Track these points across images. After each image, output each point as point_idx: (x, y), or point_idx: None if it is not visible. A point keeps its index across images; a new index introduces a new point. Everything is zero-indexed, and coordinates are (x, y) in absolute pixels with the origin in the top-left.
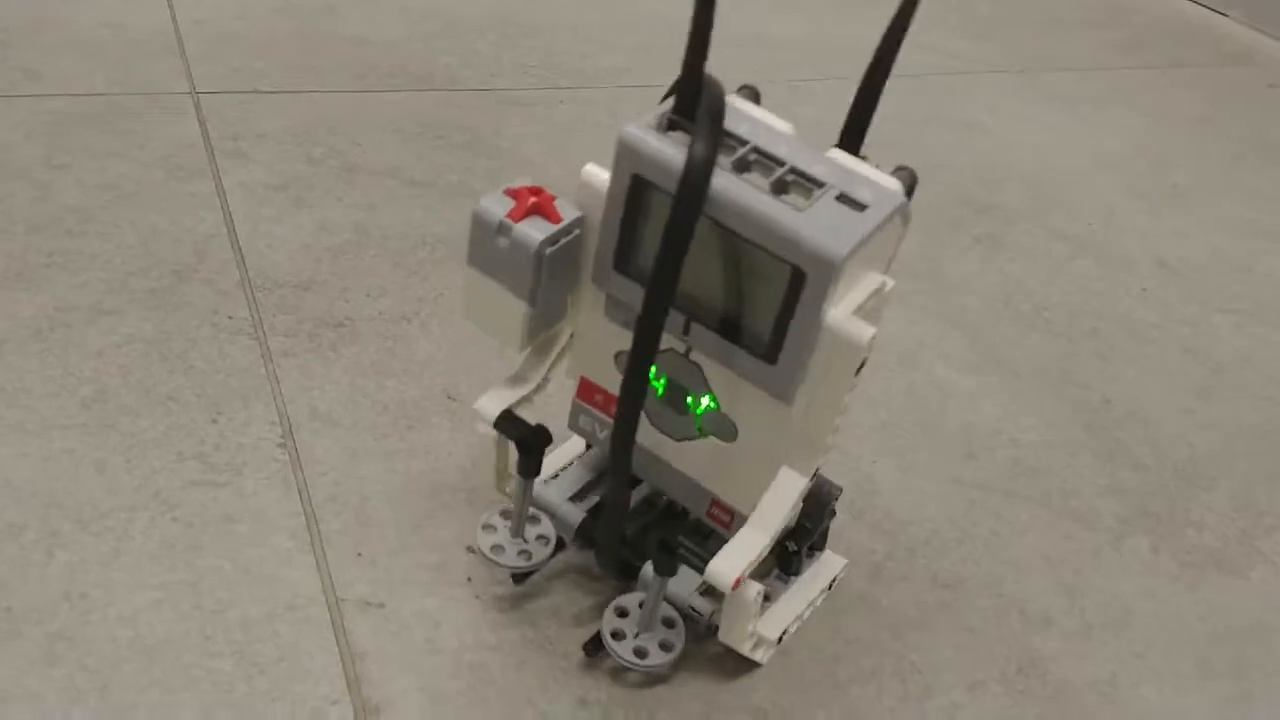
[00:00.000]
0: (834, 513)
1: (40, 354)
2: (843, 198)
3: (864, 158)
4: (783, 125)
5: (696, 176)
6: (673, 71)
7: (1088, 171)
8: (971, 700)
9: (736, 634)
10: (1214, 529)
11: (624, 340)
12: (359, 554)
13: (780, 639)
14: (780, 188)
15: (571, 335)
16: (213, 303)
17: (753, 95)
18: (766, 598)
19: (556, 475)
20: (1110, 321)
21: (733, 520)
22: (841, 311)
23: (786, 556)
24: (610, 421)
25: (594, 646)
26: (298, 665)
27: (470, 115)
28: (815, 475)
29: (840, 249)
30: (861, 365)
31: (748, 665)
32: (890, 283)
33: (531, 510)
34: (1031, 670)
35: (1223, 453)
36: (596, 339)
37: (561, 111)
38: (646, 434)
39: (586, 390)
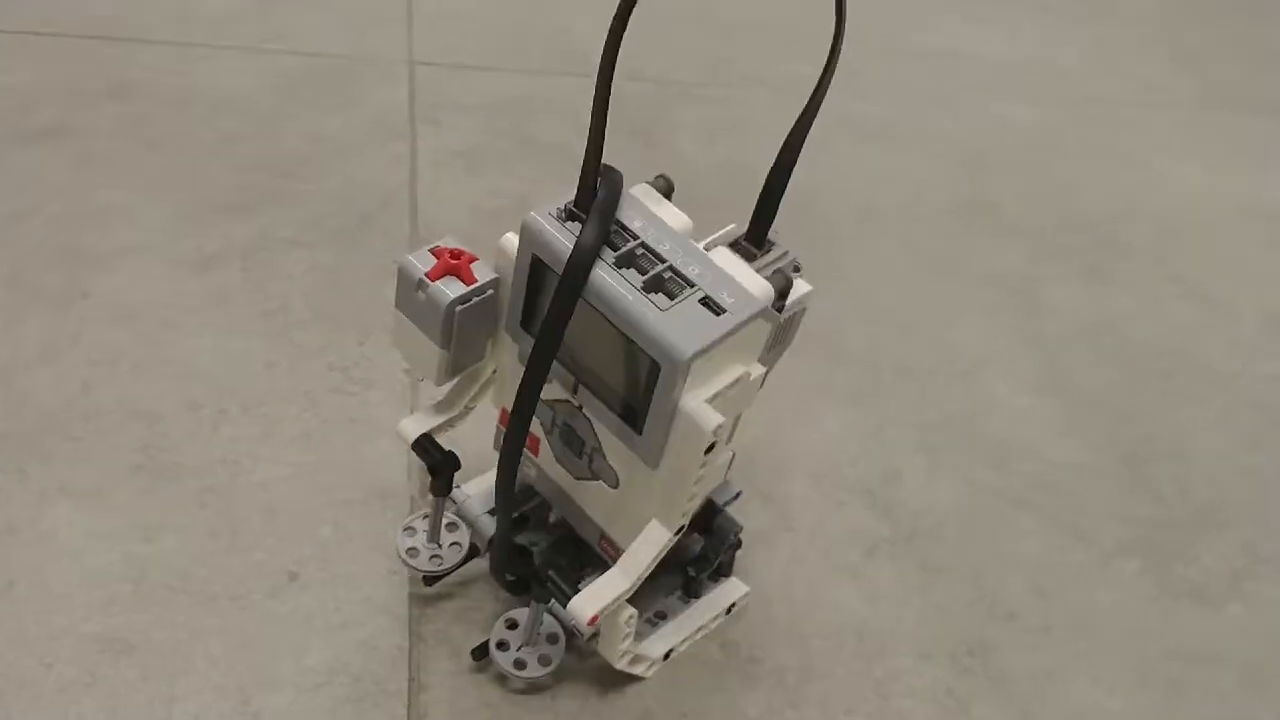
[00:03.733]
0: (739, 543)
1: (243, 270)
2: (706, 300)
3: (770, 244)
4: (679, 221)
5: (577, 267)
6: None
7: (1232, 219)
8: (916, 667)
9: (609, 651)
10: (1207, 566)
11: (547, 389)
12: None
13: (667, 655)
14: (652, 285)
15: (493, 370)
16: (384, 247)
17: (665, 187)
18: (663, 616)
19: (473, 495)
20: (1189, 365)
21: (617, 555)
22: (694, 399)
23: (688, 581)
24: (529, 453)
25: (481, 653)
26: (377, 540)
27: (644, 105)
28: (712, 509)
29: (687, 350)
30: (712, 447)
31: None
32: (758, 370)
33: (453, 519)
34: (980, 653)
35: (1247, 501)
36: (513, 378)
37: (728, 108)
38: (552, 467)
39: (505, 419)
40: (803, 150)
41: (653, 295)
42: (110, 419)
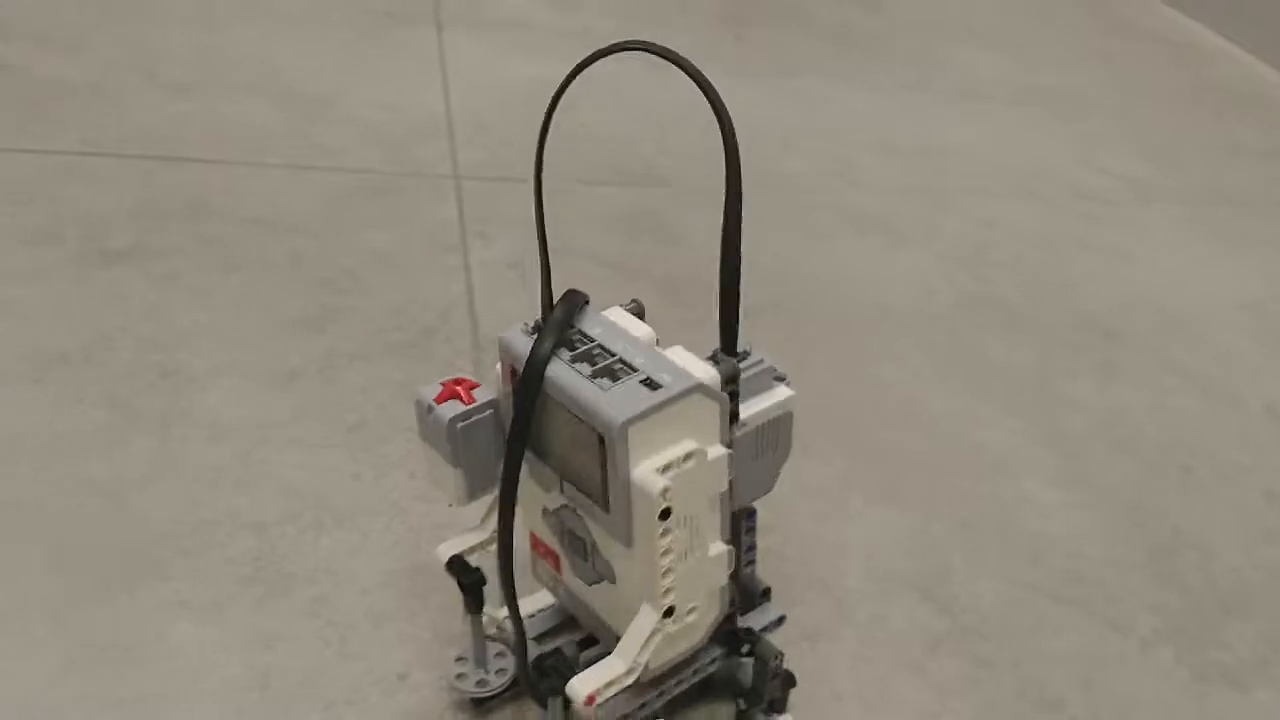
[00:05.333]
0: (793, 681)
1: (322, 385)
2: (646, 381)
3: (744, 353)
4: (641, 331)
5: (534, 365)
6: (841, 188)
7: (1222, 309)
8: None
9: None
10: (1236, 651)
11: (549, 499)
12: None
13: None
14: (600, 373)
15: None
16: (448, 358)
17: (637, 310)
18: None
19: (533, 615)
20: (1202, 458)
21: None
22: (642, 468)
23: (739, 714)
24: (553, 572)
25: None
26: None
27: (663, 207)
28: (752, 635)
29: (619, 417)
30: (666, 513)
31: None
32: (717, 450)
33: (502, 647)
34: None
35: (1269, 591)
36: (531, 498)
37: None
38: (572, 580)
39: (536, 544)
40: (809, 242)
41: (599, 380)
42: (219, 533)
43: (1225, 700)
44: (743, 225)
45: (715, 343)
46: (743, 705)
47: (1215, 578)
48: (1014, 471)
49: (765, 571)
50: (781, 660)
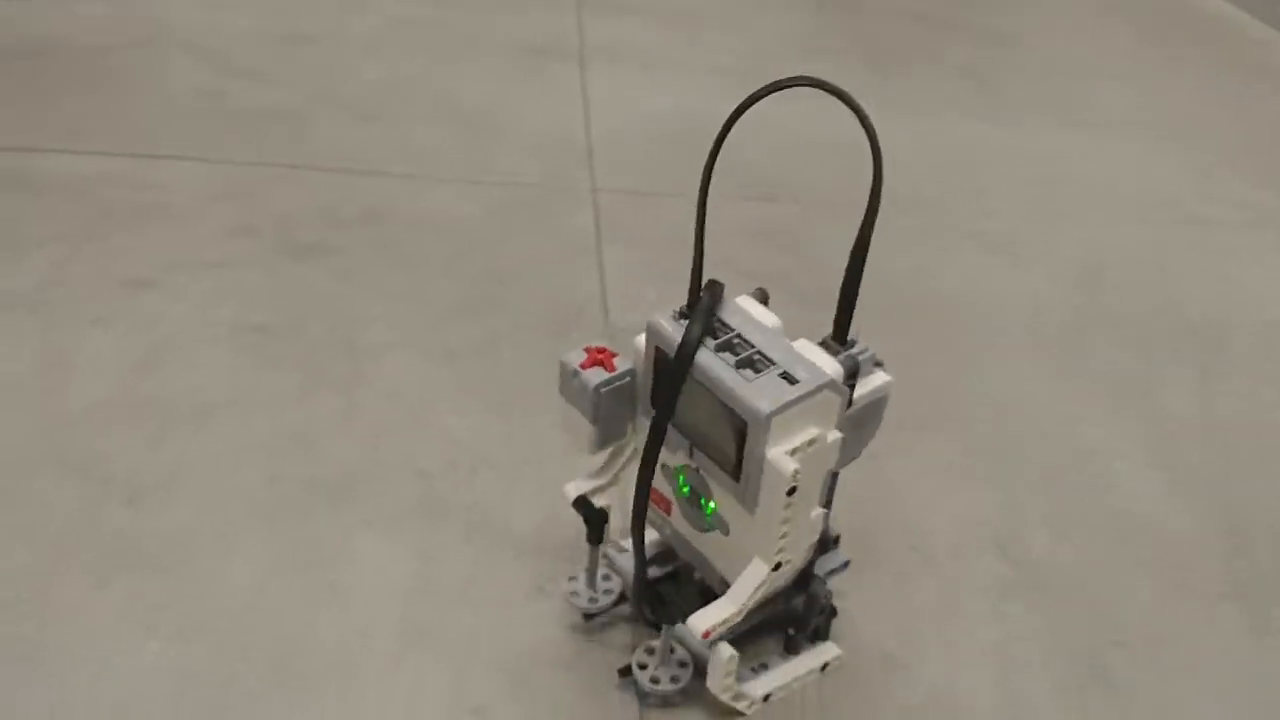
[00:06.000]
0: (834, 611)
1: (478, 363)
2: (784, 374)
3: (852, 342)
4: (770, 320)
5: (686, 350)
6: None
7: None
8: (1040, 674)
9: (715, 684)
10: None
11: (671, 457)
12: None
13: (767, 698)
14: (743, 364)
15: (634, 448)
16: (584, 342)
17: (762, 296)
18: (765, 667)
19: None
20: None
21: None
22: (775, 451)
23: (788, 639)
24: (664, 515)
25: (625, 671)
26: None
27: (795, 224)
28: (809, 573)
29: (766, 408)
30: (793, 490)
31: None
32: (833, 434)
33: (608, 571)
34: (1098, 669)
35: None
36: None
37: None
38: (681, 524)
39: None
40: (938, 258)
41: (743, 370)
42: (394, 472)
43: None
44: (876, 240)
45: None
46: (791, 632)
47: None
48: (1108, 459)
49: (868, 531)
50: (830, 598)
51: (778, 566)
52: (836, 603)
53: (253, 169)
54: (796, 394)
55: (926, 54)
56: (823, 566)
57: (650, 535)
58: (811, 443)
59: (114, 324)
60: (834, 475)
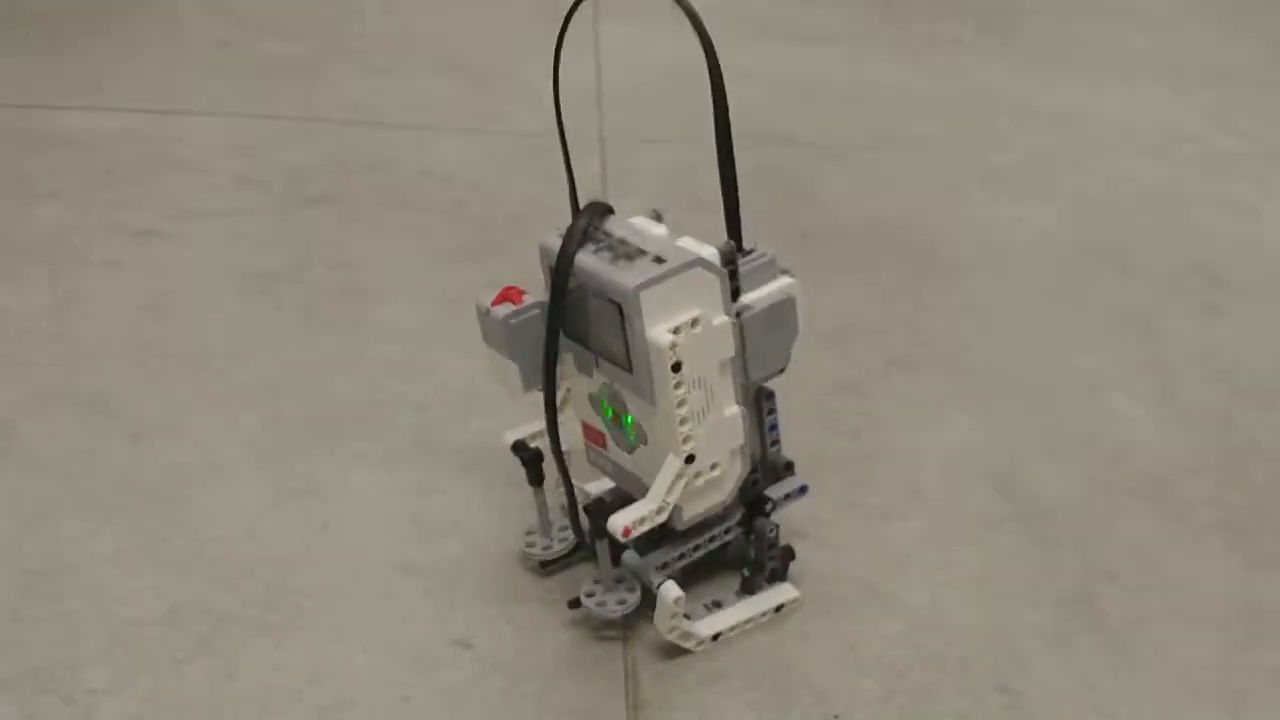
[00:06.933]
0: (792, 553)
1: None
2: (655, 259)
3: (751, 249)
4: (657, 230)
5: (564, 254)
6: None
7: None
8: (1025, 610)
9: (662, 623)
10: None
11: (591, 385)
12: None
13: (715, 637)
14: (619, 257)
15: (568, 389)
16: None
17: (655, 216)
18: (718, 605)
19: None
20: None
21: None
22: (657, 329)
23: (744, 579)
24: (602, 450)
25: (574, 603)
26: None
27: (799, 166)
28: (759, 504)
29: (632, 284)
30: (678, 367)
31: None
32: (720, 317)
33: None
34: (1086, 602)
35: None
36: (578, 388)
37: (871, 169)
38: (616, 454)
39: (587, 431)
40: (938, 195)
41: (617, 262)
42: (391, 410)
43: (1269, 581)
44: (879, 180)
45: (846, 289)
46: (746, 574)
47: None
48: (1106, 391)
49: (860, 464)
50: (777, 533)
51: (690, 459)
52: (815, 539)
53: (266, 123)
54: (664, 270)
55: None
56: (776, 493)
57: (604, 481)
58: (694, 323)
59: (122, 270)
60: (769, 394)
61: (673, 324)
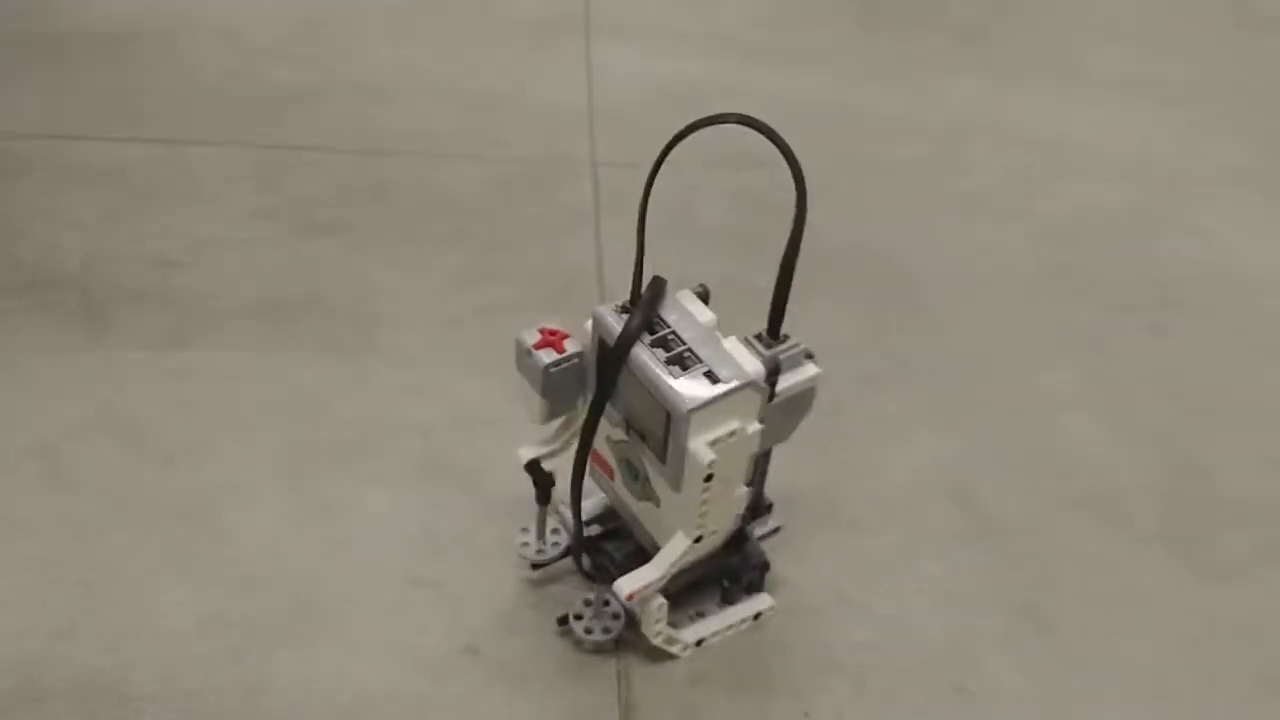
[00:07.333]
0: (767, 565)
1: (480, 329)
2: (709, 373)
3: (785, 337)
4: (705, 317)
5: (623, 343)
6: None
7: None
8: (976, 622)
9: (646, 630)
10: (1223, 555)
11: (613, 432)
12: None
13: (699, 643)
14: (674, 360)
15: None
16: (581, 307)
17: (703, 293)
18: (701, 615)
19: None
20: (1238, 405)
21: None
22: (696, 442)
23: (724, 591)
24: (608, 478)
25: (563, 620)
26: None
27: (778, 190)
28: (743, 536)
29: (686, 406)
30: (710, 477)
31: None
32: (754, 426)
33: (557, 525)
34: (1036, 608)
35: (1267, 512)
36: (600, 426)
37: (848, 193)
38: (621, 489)
39: (596, 458)
40: (908, 223)
41: (672, 367)
42: (401, 431)
43: (1207, 591)
44: (847, 202)
45: (821, 312)
46: (725, 584)
47: (1223, 502)
48: (1062, 409)
49: (829, 481)
50: (762, 555)
51: (699, 539)
52: (792, 551)
53: (273, 152)
54: (717, 392)
55: (926, 15)
56: (756, 530)
57: (599, 496)
58: (732, 434)
59: (148, 300)
60: (766, 455)
61: (713, 436)
